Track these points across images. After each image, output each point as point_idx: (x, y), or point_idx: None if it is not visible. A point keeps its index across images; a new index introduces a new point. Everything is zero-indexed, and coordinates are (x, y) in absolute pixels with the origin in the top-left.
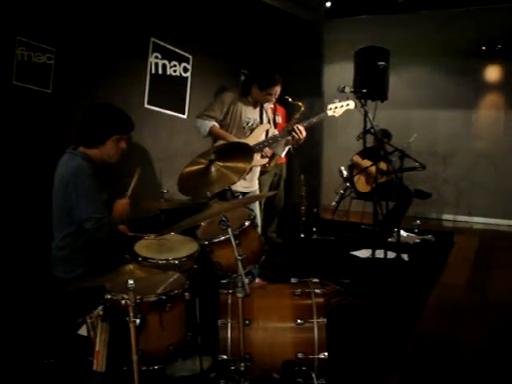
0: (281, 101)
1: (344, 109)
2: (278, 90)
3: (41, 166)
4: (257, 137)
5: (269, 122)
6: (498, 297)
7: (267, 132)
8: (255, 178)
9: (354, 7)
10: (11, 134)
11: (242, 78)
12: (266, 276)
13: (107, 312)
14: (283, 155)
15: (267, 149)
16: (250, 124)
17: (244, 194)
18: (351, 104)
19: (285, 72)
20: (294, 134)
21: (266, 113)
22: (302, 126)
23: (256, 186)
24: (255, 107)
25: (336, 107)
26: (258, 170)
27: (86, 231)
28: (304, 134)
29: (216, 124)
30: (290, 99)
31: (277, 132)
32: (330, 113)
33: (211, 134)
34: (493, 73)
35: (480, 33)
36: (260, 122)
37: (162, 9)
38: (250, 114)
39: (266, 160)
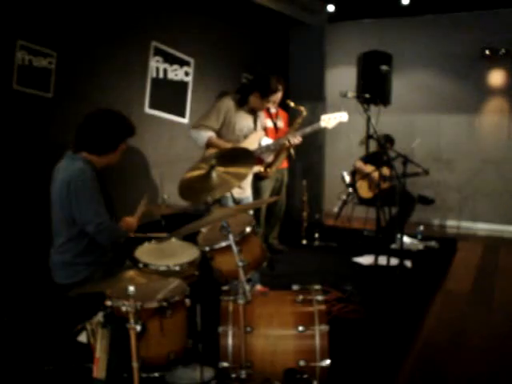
0: (283, 105)
1: (337, 120)
2: (279, 95)
3: (41, 170)
4: (250, 144)
5: (264, 128)
6: (502, 304)
7: (260, 139)
8: (248, 184)
9: (356, 11)
10: (12, 139)
11: (244, 80)
12: (268, 282)
13: (107, 318)
14: (270, 160)
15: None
16: (244, 131)
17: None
18: (344, 116)
19: (287, 76)
20: (287, 142)
21: (260, 119)
22: (296, 136)
23: (249, 192)
24: (250, 114)
25: (329, 118)
26: (250, 176)
27: (87, 235)
28: (297, 142)
29: (213, 134)
30: (292, 104)
31: (269, 138)
32: (323, 124)
33: (209, 144)
34: (497, 77)
35: (484, 37)
36: (254, 129)
37: (163, 13)
38: (245, 121)
39: (259, 167)
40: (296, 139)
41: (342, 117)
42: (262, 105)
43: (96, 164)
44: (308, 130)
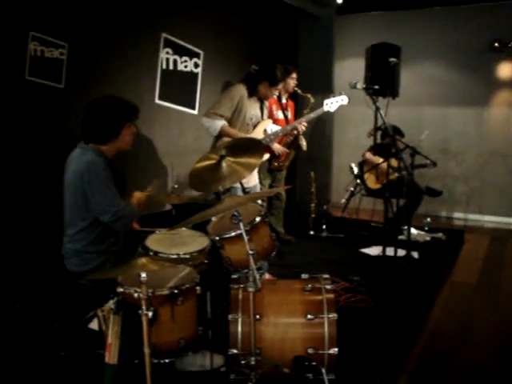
0: (291, 94)
1: (339, 104)
2: (291, 83)
3: (53, 160)
4: (259, 133)
5: (274, 120)
6: (508, 295)
7: (267, 127)
8: (255, 174)
9: (365, 3)
10: (24, 129)
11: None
12: (276, 272)
13: (119, 305)
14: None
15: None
16: (253, 120)
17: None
18: (345, 100)
19: (296, 68)
20: (294, 129)
21: (266, 108)
22: (301, 122)
23: (256, 182)
24: (258, 103)
25: (332, 102)
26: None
27: (99, 225)
28: (303, 128)
29: (226, 123)
30: (299, 91)
31: (275, 126)
32: (326, 108)
33: (221, 133)
34: (505, 70)
35: (493, 29)
36: (261, 118)
37: (173, 4)
38: (253, 110)
39: (268, 156)
40: (302, 125)
41: (343, 100)
42: (270, 93)
43: (106, 153)
44: (312, 115)
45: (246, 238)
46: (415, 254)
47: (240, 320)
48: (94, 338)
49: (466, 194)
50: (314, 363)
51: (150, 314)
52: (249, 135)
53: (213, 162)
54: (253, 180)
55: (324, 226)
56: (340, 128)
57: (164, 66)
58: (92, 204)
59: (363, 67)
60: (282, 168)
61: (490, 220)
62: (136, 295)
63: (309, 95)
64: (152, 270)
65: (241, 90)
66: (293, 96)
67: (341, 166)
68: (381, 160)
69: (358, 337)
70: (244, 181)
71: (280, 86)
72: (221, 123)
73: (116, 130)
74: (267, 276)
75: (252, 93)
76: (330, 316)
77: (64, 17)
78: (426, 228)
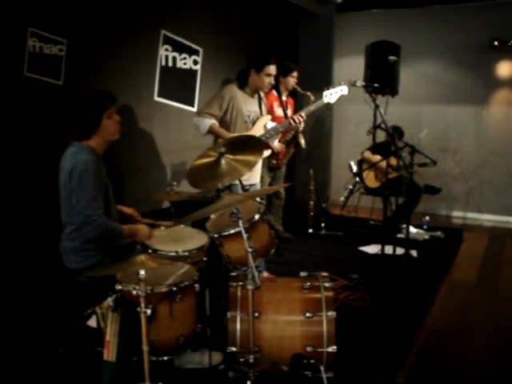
0: (290, 91)
1: (339, 94)
2: (291, 81)
3: (51, 157)
4: (258, 129)
5: (268, 112)
6: (507, 294)
7: (266, 123)
8: (257, 171)
9: (365, 1)
10: (23, 126)
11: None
12: (274, 270)
13: (117, 302)
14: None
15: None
16: (251, 117)
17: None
18: (344, 90)
19: (296, 66)
20: (292, 122)
21: (265, 104)
22: (300, 114)
23: (257, 179)
24: (253, 97)
25: (331, 93)
26: (259, 163)
27: None
28: (302, 121)
29: (215, 122)
30: (298, 89)
31: (273, 122)
32: (325, 99)
33: (210, 132)
34: (505, 68)
35: (493, 28)
36: (260, 114)
37: (172, 1)
38: (250, 106)
39: (269, 152)
40: (300, 117)
41: (342, 90)
42: (261, 82)
43: (97, 149)
44: (312, 107)
45: (245, 235)
46: (414, 253)
47: (239, 318)
48: (93, 335)
49: (465, 192)
50: (312, 361)
51: (149, 311)
52: (249, 132)
53: (212, 159)
54: (254, 177)
55: (323, 224)
56: (339, 126)
57: (163, 63)
58: (73, 201)
59: (363, 65)
60: (280, 166)
61: (488, 219)
62: (135, 292)
63: (308, 93)
64: (151, 268)
65: (232, 88)
66: (293, 93)
67: (340, 164)
68: (379, 159)
69: (357, 335)
70: (245, 177)
71: (271, 71)
72: (210, 122)
73: (95, 121)
74: (265, 274)
75: (243, 86)
76: (329, 314)
77: (63, 13)
78: (425, 226)
